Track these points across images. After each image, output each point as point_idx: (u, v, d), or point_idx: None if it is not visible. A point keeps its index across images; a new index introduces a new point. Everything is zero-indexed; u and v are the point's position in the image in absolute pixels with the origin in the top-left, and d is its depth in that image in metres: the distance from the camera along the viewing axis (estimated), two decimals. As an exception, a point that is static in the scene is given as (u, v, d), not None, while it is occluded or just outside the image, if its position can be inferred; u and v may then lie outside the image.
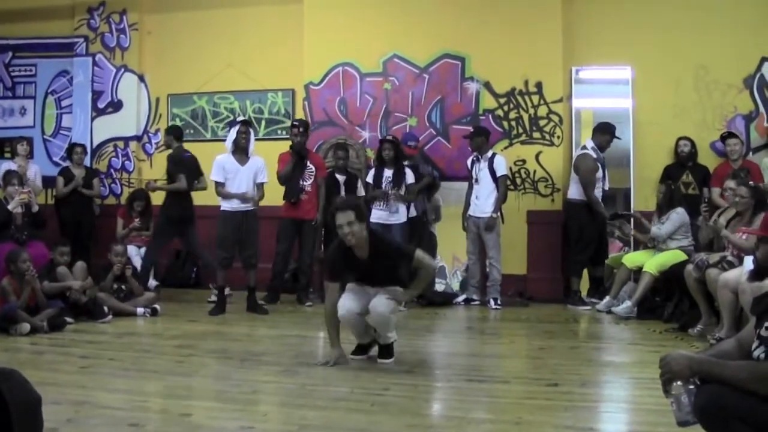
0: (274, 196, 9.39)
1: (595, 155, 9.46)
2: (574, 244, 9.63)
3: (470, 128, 9.97)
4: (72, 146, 11.07)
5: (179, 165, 9.82)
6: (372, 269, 5.95)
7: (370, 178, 9.77)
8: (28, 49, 12.40)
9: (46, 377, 5.27)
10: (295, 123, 9.77)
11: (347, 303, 6.03)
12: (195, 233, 9.84)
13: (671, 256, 8.45)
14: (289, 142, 9.64)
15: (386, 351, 6.15)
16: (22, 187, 9.24)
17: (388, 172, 9.61)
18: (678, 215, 8.65)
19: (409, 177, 9.64)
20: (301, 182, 9.46)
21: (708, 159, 9.77)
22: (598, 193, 9.43)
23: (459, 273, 10.42)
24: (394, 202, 9.52)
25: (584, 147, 9.63)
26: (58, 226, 10.50)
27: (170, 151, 10.09)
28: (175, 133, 10.22)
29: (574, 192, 9.60)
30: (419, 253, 5.95)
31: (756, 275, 3.79)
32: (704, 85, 9.87)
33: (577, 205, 9.55)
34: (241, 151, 8.83)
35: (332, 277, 6.13)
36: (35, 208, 9.25)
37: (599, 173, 9.45)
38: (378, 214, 9.52)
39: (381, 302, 5.95)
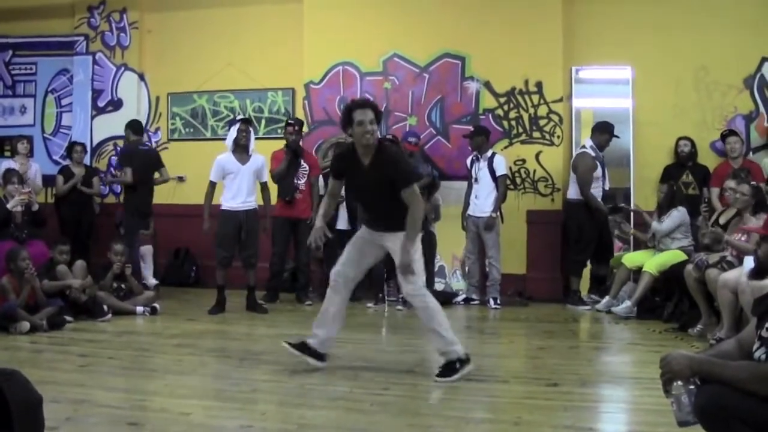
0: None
1: (593, 154, 9.46)
2: (574, 243, 9.62)
3: (470, 128, 9.97)
4: (72, 145, 11.07)
5: (126, 159, 9.99)
6: (370, 178, 5.65)
7: None
8: (28, 48, 12.40)
9: (46, 376, 5.27)
10: (290, 122, 9.78)
11: (342, 262, 5.94)
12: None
13: (671, 256, 8.46)
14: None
15: (447, 367, 5.62)
16: (22, 185, 9.24)
17: None
18: (679, 213, 8.65)
19: None
20: (295, 181, 9.47)
21: (708, 159, 9.76)
22: (597, 192, 9.42)
23: (458, 272, 10.42)
24: None
25: (583, 146, 9.64)
26: (58, 225, 10.50)
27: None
28: (133, 127, 10.34)
29: (573, 192, 9.60)
30: (416, 186, 5.70)
31: (757, 274, 3.79)
32: (704, 85, 9.86)
33: (576, 204, 9.55)
34: (241, 150, 8.83)
35: (336, 175, 5.97)
36: (35, 207, 9.25)
37: (598, 172, 9.45)
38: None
39: (401, 280, 5.75)
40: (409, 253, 5.62)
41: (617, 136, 9.66)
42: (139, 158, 9.99)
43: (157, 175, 10.15)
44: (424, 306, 5.71)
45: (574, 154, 10.10)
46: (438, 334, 5.68)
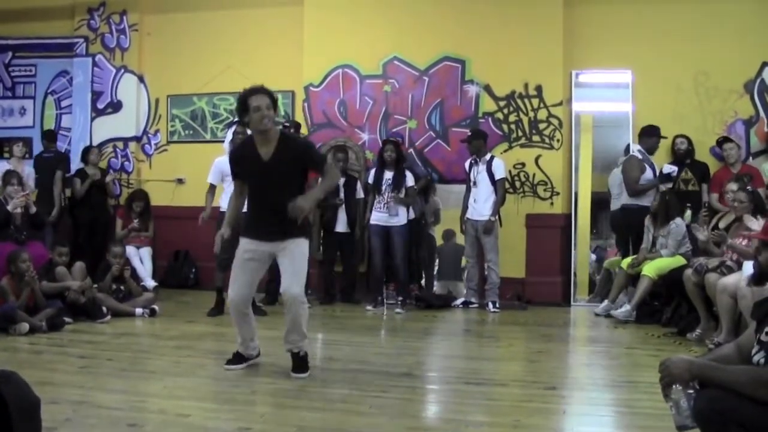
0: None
1: (641, 157, 9.39)
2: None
3: (469, 131, 9.97)
4: (87, 148, 11.11)
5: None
6: (271, 168, 5.53)
7: (370, 179, 9.76)
8: (28, 50, 12.40)
9: (45, 377, 5.27)
10: (285, 124, 9.79)
11: (236, 284, 5.78)
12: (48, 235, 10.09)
13: (670, 260, 8.46)
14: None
15: (301, 362, 5.69)
16: (21, 187, 9.25)
17: (388, 174, 9.58)
18: (677, 227, 8.64)
19: (409, 180, 9.62)
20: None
21: (707, 162, 9.74)
22: (649, 198, 9.26)
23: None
24: (394, 205, 9.49)
25: (630, 151, 9.57)
26: (72, 228, 10.52)
27: None
28: (45, 137, 11.07)
29: (625, 198, 9.52)
30: (330, 162, 5.72)
31: (757, 280, 3.79)
32: (704, 90, 9.86)
33: (635, 210, 9.36)
34: (238, 151, 8.82)
35: (234, 175, 5.87)
36: (32, 210, 9.25)
37: (648, 175, 9.37)
38: (377, 216, 9.53)
39: (291, 279, 5.60)
40: (312, 200, 5.66)
41: (664, 137, 9.63)
42: (39, 164, 10.54)
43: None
44: (303, 312, 5.70)
45: (573, 157, 10.14)
46: (302, 332, 5.71)
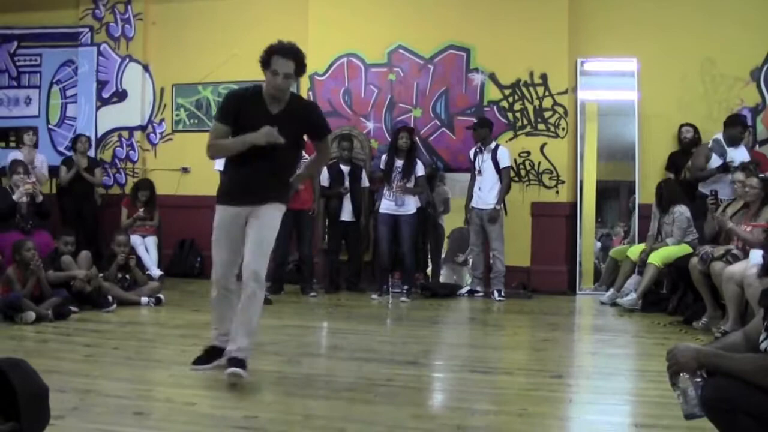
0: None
1: (710, 145, 9.01)
2: None
3: (474, 119, 9.96)
4: (77, 137, 11.12)
5: None
6: (278, 123, 5.06)
7: (382, 164, 9.73)
8: (33, 39, 12.42)
9: (52, 365, 5.27)
10: None
11: (219, 262, 5.27)
12: None
13: (676, 248, 8.44)
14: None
15: (239, 363, 5.01)
16: (27, 176, 9.27)
17: (398, 162, 9.52)
18: (681, 215, 8.61)
19: (419, 169, 9.59)
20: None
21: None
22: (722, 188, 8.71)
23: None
24: (400, 195, 9.47)
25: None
26: (60, 216, 10.53)
27: None
28: None
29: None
30: (329, 138, 5.38)
31: (767, 271, 3.77)
32: (710, 78, 9.81)
33: (699, 197, 9.00)
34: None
35: (225, 117, 5.20)
36: (39, 199, 9.27)
37: (714, 163, 8.94)
38: (387, 205, 9.50)
39: (254, 251, 5.04)
40: (305, 178, 5.58)
41: (750, 126, 9.53)
42: None
43: None
44: (259, 298, 5.12)
45: (579, 146, 10.10)
46: (251, 329, 5.13)
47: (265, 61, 5.15)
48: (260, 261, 5.08)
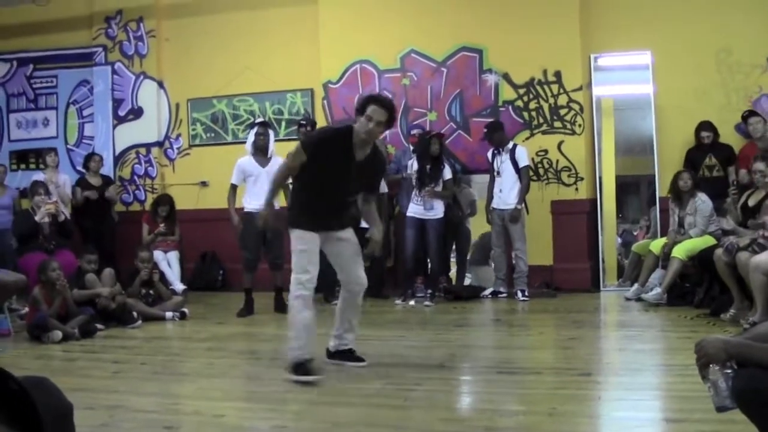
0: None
1: None
2: None
3: (491, 119, 9.94)
4: (89, 156, 11.19)
5: None
6: (357, 171, 5.53)
7: (408, 170, 9.70)
8: (48, 61, 12.52)
9: (80, 383, 5.30)
10: (302, 122, 9.85)
11: (312, 264, 5.67)
12: None
13: (700, 240, 8.39)
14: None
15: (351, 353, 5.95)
16: (48, 197, 9.34)
17: (426, 167, 9.52)
18: (703, 203, 8.56)
19: (447, 172, 9.56)
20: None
21: (732, 141, 9.59)
22: None
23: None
24: (429, 199, 9.44)
25: None
26: (80, 236, 10.58)
27: None
28: None
29: None
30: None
31: None
32: (726, 66, 9.71)
33: None
34: (261, 153, 8.86)
35: (310, 154, 5.50)
36: (61, 218, 9.35)
37: None
38: (415, 209, 9.47)
39: (360, 267, 5.93)
40: (381, 232, 6.04)
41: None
42: None
43: None
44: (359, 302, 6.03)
45: (596, 142, 10.07)
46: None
47: (362, 109, 5.47)
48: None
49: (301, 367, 5.34)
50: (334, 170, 5.49)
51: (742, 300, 7.25)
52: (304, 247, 5.55)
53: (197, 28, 11.79)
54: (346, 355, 5.92)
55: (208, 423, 4.41)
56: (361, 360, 5.86)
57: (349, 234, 5.83)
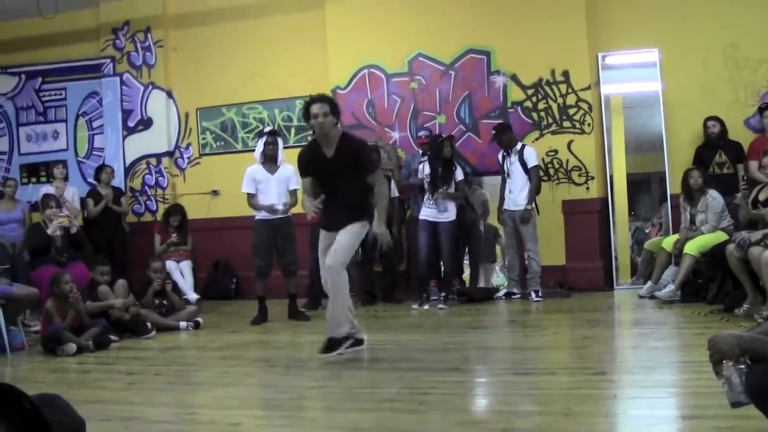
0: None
1: None
2: None
3: (500, 122, 9.94)
4: (100, 167, 11.23)
5: None
6: (335, 166, 6.24)
7: (420, 174, 9.69)
8: (56, 74, 12.59)
9: (94, 395, 5.31)
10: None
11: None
12: None
13: (711, 236, 8.36)
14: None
15: (329, 344, 6.22)
16: (60, 209, 9.38)
17: (426, 168, 9.53)
18: (714, 200, 8.54)
19: (459, 174, 9.55)
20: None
21: (741, 137, 9.56)
22: None
23: (498, 269, 10.42)
24: (442, 201, 9.43)
25: None
26: (92, 247, 10.61)
27: None
28: None
29: None
30: (378, 174, 6.51)
31: None
32: (734, 62, 9.68)
33: None
34: (270, 161, 8.87)
35: (303, 173, 6.54)
36: (73, 230, 9.38)
37: None
38: (427, 212, 9.46)
39: (333, 252, 6.18)
40: (383, 225, 6.44)
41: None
42: None
43: None
44: (338, 284, 6.18)
45: (605, 141, 10.05)
46: (335, 317, 6.24)
47: (306, 115, 6.29)
48: (334, 258, 6.16)
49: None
50: (320, 175, 6.37)
51: (755, 295, 7.21)
52: (320, 246, 6.43)
53: (204, 37, 11.83)
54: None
55: None
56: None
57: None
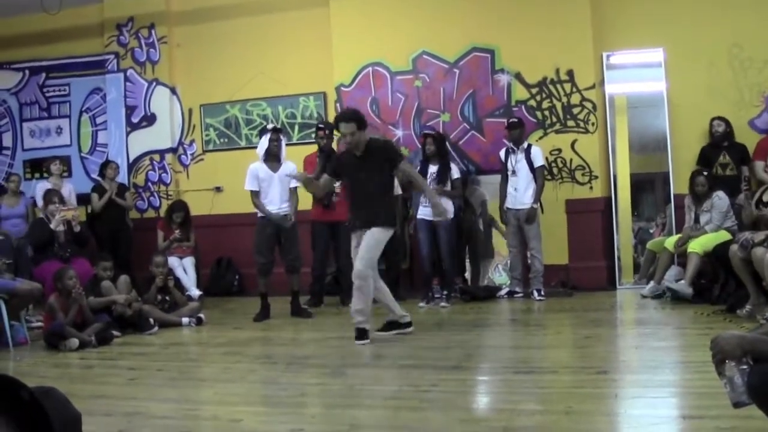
0: (306, 199, 9.38)
1: None
2: None
3: (503, 120, 9.93)
4: (105, 163, 11.23)
5: None
6: (366, 166, 6.93)
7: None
8: (60, 70, 12.59)
9: (97, 390, 5.33)
10: (320, 126, 9.82)
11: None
12: None
13: (713, 236, 8.35)
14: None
15: (358, 333, 6.94)
16: (63, 204, 9.39)
17: (432, 168, 9.47)
18: (720, 200, 8.53)
19: (455, 172, 9.55)
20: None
21: (746, 137, 9.57)
22: None
23: (500, 267, 10.41)
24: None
25: None
26: (96, 243, 10.62)
27: None
28: None
29: None
30: (406, 162, 7.35)
31: None
32: (739, 62, 9.66)
33: None
34: (273, 158, 8.85)
35: (332, 174, 7.35)
36: (77, 229, 9.37)
37: None
38: (425, 211, 9.43)
39: (359, 257, 6.93)
40: (436, 197, 7.85)
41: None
42: None
43: None
44: (360, 288, 6.94)
45: (609, 140, 10.03)
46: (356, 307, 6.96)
47: (337, 128, 7.36)
48: (360, 262, 6.90)
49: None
50: (351, 174, 7.14)
51: (758, 295, 7.20)
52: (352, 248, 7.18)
53: (209, 33, 11.83)
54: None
55: (226, 428, 4.41)
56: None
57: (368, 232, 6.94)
